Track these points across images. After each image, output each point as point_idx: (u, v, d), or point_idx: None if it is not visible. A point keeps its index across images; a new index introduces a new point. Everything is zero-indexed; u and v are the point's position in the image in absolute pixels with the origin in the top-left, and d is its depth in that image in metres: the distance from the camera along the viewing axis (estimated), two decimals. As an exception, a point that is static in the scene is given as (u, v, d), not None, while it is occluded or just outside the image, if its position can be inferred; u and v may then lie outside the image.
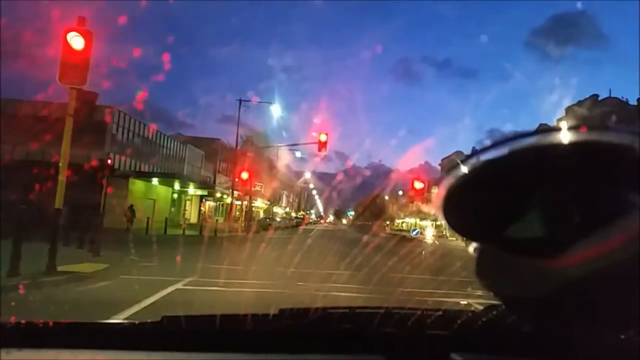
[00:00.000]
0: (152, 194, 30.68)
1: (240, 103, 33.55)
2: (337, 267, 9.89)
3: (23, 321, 1.33)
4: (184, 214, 41.15)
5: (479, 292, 5.76)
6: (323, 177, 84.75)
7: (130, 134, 30.75)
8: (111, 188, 28.42)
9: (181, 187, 34.35)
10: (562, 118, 46.38)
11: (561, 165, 0.53)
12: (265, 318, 1.42)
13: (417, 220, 73.60)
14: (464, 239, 0.64)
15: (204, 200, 45.38)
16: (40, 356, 1.23)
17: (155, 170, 33.00)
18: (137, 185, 28.57)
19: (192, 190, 36.92)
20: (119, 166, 29.01)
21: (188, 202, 43.21)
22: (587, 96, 44.84)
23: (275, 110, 33.59)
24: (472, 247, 0.62)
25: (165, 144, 36.96)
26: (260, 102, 34.12)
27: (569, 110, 46.31)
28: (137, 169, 30.80)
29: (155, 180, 29.38)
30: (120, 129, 29.36)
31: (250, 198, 38.57)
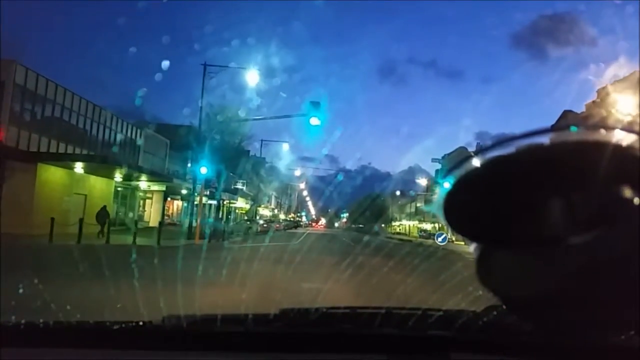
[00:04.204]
0: (82, 187, 22.52)
1: (204, 68, 25.98)
2: None
3: (23, 321, 1.33)
4: (142, 215, 33.31)
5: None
6: (314, 180, 78.27)
7: (49, 105, 22.30)
8: (7, 176, 20.41)
9: (126, 179, 26.09)
10: (594, 102, 39.73)
11: (563, 165, 0.55)
12: (266, 318, 1.44)
13: (416, 222, 68.59)
14: (465, 239, 0.62)
15: (169, 198, 37.60)
16: (40, 356, 1.24)
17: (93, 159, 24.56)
18: (54, 173, 20.37)
19: (144, 184, 28.74)
20: (28, 147, 20.85)
21: (148, 201, 35.31)
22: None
23: (252, 78, 25.76)
24: (472, 246, 0.62)
25: (109, 125, 28.39)
26: (231, 67, 26.51)
27: (601, 91, 39.53)
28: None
29: (79, 167, 21.04)
30: (30, 97, 20.96)
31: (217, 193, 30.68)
